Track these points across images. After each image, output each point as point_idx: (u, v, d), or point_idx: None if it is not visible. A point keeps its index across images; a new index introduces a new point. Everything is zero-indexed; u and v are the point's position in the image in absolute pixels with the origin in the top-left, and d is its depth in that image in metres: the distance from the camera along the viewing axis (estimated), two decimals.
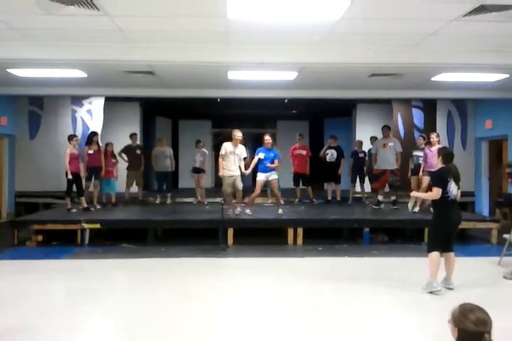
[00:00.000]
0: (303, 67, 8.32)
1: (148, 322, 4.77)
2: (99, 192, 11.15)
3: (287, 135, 14.39)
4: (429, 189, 9.84)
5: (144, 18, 6.01)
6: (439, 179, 5.83)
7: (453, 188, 5.80)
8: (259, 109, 14.79)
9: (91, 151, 10.64)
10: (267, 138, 9.83)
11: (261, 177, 9.74)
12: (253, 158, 9.96)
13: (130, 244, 8.91)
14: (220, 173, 9.63)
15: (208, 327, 4.71)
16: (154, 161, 11.99)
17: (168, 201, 12.03)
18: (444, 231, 5.87)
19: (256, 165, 9.77)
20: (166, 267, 7.32)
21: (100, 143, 11.82)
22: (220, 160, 9.63)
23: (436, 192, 5.74)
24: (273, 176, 9.72)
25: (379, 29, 6.41)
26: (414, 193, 6.17)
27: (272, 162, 9.67)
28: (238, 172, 9.62)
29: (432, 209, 6.11)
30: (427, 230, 6.19)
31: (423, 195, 6.17)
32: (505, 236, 7.53)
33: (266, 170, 9.70)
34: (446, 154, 6.09)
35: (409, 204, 7.06)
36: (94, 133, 11.10)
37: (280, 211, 9.85)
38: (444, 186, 5.74)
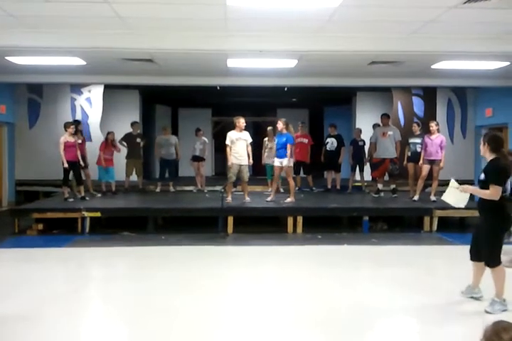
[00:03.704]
0: (302, 54, 8.28)
1: (149, 310, 4.80)
2: (99, 180, 11.24)
3: None
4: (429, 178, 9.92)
5: (143, 5, 5.97)
6: (501, 175, 4.71)
7: (508, 184, 4.91)
8: (259, 97, 14.75)
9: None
10: (278, 123, 9.84)
11: (276, 162, 9.87)
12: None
13: (130, 232, 8.94)
14: (229, 163, 9.63)
15: (208, 314, 4.74)
16: (157, 149, 12.03)
17: (171, 189, 12.05)
18: (502, 238, 4.85)
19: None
20: (166, 255, 7.35)
21: (101, 132, 11.95)
22: (228, 149, 9.64)
23: (496, 192, 4.64)
24: (285, 162, 9.67)
25: (378, 16, 6.37)
26: (467, 187, 4.92)
27: (286, 147, 9.63)
28: (246, 162, 9.64)
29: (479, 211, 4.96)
30: (484, 240, 4.82)
31: (485, 192, 4.72)
32: None
33: (278, 155, 9.77)
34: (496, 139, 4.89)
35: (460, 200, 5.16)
36: (78, 122, 11.11)
37: (289, 199, 9.81)
38: (504, 183, 4.72)
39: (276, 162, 9.85)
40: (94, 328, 4.53)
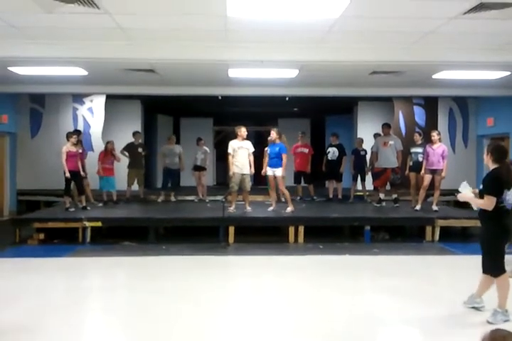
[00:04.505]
0: (303, 64, 8.31)
1: (149, 320, 4.78)
2: (100, 190, 11.26)
3: (288, 133, 14.38)
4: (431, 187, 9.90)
5: (144, 16, 6.01)
6: (496, 185, 4.67)
7: (509, 195, 4.80)
8: (261, 107, 14.78)
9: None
10: (271, 132, 9.87)
11: (268, 171, 9.84)
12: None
13: (131, 242, 8.92)
14: (231, 172, 9.65)
15: (209, 324, 4.71)
16: (161, 158, 12.10)
17: (173, 199, 12.05)
18: (503, 247, 4.84)
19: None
20: (167, 265, 7.33)
21: (102, 142, 12.09)
22: (230, 158, 9.67)
23: (489, 202, 4.62)
24: (278, 172, 9.69)
25: (379, 27, 6.39)
26: (464, 196, 4.94)
27: (279, 156, 9.64)
28: (247, 171, 9.66)
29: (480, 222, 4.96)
30: (484, 249, 4.83)
31: (478, 201, 4.76)
32: None
33: (271, 164, 9.76)
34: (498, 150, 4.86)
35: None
36: (78, 132, 11.15)
37: (288, 209, 9.78)
38: (500, 194, 4.66)
39: (270, 171, 9.82)
40: (95, 338, 4.50)
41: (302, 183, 12.15)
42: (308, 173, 12.08)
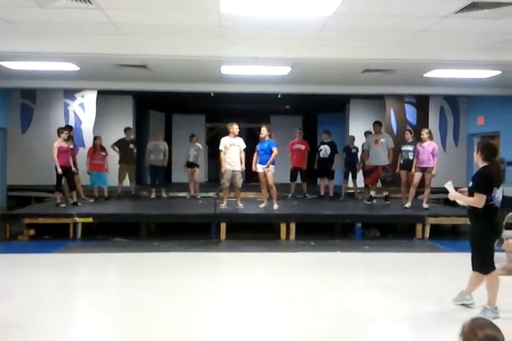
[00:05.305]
0: (296, 62, 8.31)
1: (140, 317, 4.78)
2: (91, 186, 11.21)
3: (281, 130, 14.40)
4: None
5: (136, 11, 5.99)
6: (485, 183, 4.71)
7: (498, 193, 4.83)
8: (253, 104, 14.79)
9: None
10: (262, 129, 9.88)
11: (259, 168, 9.83)
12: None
13: (123, 238, 8.91)
14: (223, 169, 9.65)
15: (200, 321, 4.72)
16: (148, 155, 12.04)
17: (164, 195, 12.05)
18: (492, 244, 4.87)
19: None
20: (159, 261, 7.33)
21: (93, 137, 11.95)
22: (222, 155, 9.68)
23: (479, 199, 4.65)
24: (268, 168, 9.69)
25: (371, 25, 6.40)
26: (454, 195, 4.89)
27: (268, 152, 9.65)
28: (239, 168, 9.67)
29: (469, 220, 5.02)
30: (473, 247, 4.87)
31: (467, 199, 4.78)
32: None
33: (262, 161, 9.76)
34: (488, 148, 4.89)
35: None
36: (70, 128, 11.08)
37: (275, 206, 9.80)
38: (489, 191, 4.69)
39: (260, 168, 9.81)
40: (87, 335, 4.50)
41: (298, 180, 12.17)
42: (304, 170, 12.12)
